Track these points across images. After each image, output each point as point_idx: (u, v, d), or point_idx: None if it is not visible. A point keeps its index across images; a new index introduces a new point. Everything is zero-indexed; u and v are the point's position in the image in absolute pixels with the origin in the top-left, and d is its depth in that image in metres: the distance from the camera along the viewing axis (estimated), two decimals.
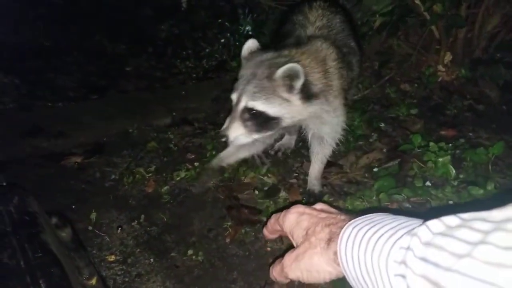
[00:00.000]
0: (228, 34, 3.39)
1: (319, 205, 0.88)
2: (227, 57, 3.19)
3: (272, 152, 2.11)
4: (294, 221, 0.86)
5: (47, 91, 2.68)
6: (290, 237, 0.87)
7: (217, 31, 3.50)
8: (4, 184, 1.81)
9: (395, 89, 2.62)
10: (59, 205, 1.72)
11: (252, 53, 1.60)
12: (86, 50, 3.34)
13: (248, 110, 1.46)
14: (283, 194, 1.80)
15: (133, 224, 1.67)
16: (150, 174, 1.95)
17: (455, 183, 1.71)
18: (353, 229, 0.71)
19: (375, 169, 1.88)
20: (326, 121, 1.63)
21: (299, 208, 0.88)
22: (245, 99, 1.46)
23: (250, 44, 1.63)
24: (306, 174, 1.92)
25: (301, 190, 1.83)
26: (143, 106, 2.53)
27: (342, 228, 0.74)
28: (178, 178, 1.91)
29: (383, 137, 2.15)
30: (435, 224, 0.58)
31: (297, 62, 1.47)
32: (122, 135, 2.25)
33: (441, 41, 2.61)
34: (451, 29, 2.50)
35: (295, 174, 1.96)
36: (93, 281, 1.40)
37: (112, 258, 1.51)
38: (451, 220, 0.57)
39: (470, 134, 2.17)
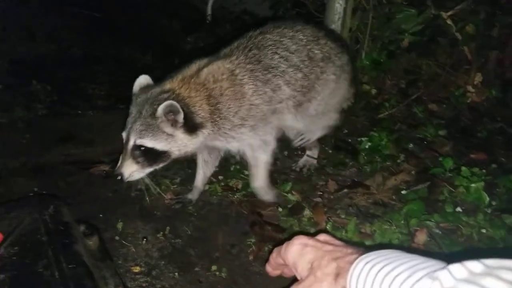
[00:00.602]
0: None
1: (322, 236, 0.85)
2: None
3: (297, 169, 2.11)
4: (298, 253, 0.82)
5: (78, 99, 2.76)
6: (294, 270, 0.84)
7: None
8: (37, 191, 1.87)
9: (423, 108, 2.59)
10: (86, 213, 1.76)
11: (142, 89, 1.62)
12: (116, 60, 3.43)
13: (137, 147, 1.54)
14: (307, 212, 1.78)
15: (158, 235, 1.68)
16: (175, 186, 1.97)
17: (488, 210, 1.68)
18: (365, 264, 0.67)
19: (404, 192, 1.85)
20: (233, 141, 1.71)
21: (302, 239, 0.84)
22: (133, 137, 1.53)
23: (142, 80, 1.66)
24: (331, 193, 1.91)
25: (325, 209, 1.82)
26: None
27: (350, 263, 0.71)
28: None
29: (411, 158, 2.13)
30: (458, 269, 0.55)
31: (177, 95, 1.55)
32: None
33: (472, 61, 2.58)
34: (483, 50, 2.47)
35: (319, 193, 1.94)
36: None
37: (137, 269, 1.52)
38: (474, 266, 0.54)
39: (502, 159, 2.13)
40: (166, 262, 1.55)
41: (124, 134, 1.56)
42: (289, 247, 0.84)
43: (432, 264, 0.62)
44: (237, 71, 1.67)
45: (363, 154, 2.07)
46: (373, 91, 2.55)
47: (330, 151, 2.22)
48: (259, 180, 1.83)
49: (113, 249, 1.60)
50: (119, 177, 1.56)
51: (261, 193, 1.85)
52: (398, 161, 2.11)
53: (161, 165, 1.61)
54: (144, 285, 1.46)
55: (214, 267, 1.53)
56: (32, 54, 3.37)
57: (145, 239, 1.66)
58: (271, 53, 1.76)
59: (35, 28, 3.72)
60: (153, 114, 1.51)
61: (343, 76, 1.93)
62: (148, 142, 1.52)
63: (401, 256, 0.66)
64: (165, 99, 1.51)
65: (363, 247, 0.76)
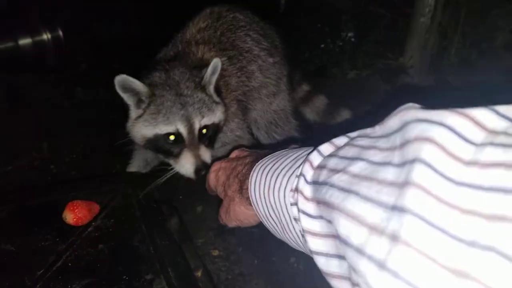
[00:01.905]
0: (329, 40, 3.33)
1: (233, 154, 0.89)
2: (326, 62, 3.13)
3: None
4: (214, 180, 0.87)
5: None
6: (218, 194, 0.90)
7: (317, 36, 3.45)
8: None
9: None
10: (167, 194, 1.79)
11: (148, 82, 1.37)
12: None
13: (201, 130, 1.35)
14: None
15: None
16: None
17: None
18: (259, 170, 0.70)
19: None
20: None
21: (215, 166, 0.89)
22: (198, 121, 1.32)
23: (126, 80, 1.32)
24: None
25: None
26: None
27: (248, 173, 0.73)
28: None
29: None
30: (325, 147, 0.57)
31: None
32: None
33: None
34: None
35: None
36: (199, 273, 1.42)
37: (215, 253, 1.53)
38: (340, 140, 0.57)
39: None
40: (244, 249, 1.55)
41: (178, 125, 1.32)
42: (208, 176, 0.90)
43: (312, 148, 0.62)
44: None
45: None
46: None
47: None
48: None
49: (192, 231, 1.62)
50: (203, 172, 1.36)
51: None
52: None
53: (215, 142, 1.49)
54: (223, 269, 1.46)
55: (292, 259, 1.50)
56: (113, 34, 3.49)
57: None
58: (244, 35, 1.70)
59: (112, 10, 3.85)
60: (197, 86, 1.36)
61: None
62: (209, 119, 1.36)
63: (290, 151, 0.68)
64: (206, 64, 1.37)
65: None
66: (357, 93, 2.63)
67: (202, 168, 1.34)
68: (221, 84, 1.56)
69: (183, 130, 1.31)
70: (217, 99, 1.43)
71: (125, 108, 1.80)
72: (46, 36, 2.61)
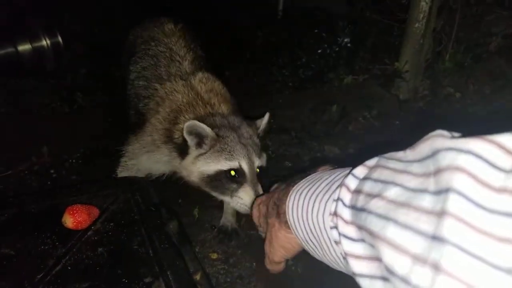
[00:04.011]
0: (326, 45, 3.37)
1: (273, 187, 0.92)
2: (324, 67, 3.16)
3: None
4: (258, 214, 0.90)
5: None
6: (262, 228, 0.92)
7: (314, 41, 3.49)
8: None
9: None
10: (165, 197, 1.81)
11: (218, 127, 1.47)
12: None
13: (257, 170, 1.48)
14: None
15: None
16: None
17: None
18: (295, 194, 0.72)
19: None
20: None
21: (256, 202, 0.92)
22: (256, 161, 1.46)
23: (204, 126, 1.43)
24: None
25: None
26: (242, 111, 2.59)
27: (284, 198, 0.76)
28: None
29: None
30: (359, 170, 0.59)
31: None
32: None
33: None
34: None
35: None
36: (198, 277, 1.43)
37: (214, 256, 1.55)
38: (372, 161, 0.58)
39: None
40: (242, 252, 1.56)
41: (244, 164, 1.43)
42: (252, 214, 0.93)
43: (348, 171, 0.64)
44: None
45: None
46: (457, 95, 2.40)
47: None
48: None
49: (191, 235, 1.63)
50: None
51: (231, 219, 1.73)
52: None
53: None
54: (221, 272, 1.48)
55: (290, 262, 1.51)
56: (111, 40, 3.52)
57: (214, 227, 1.68)
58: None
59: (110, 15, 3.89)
60: (254, 132, 1.54)
61: None
62: (261, 161, 1.50)
63: (324, 174, 0.70)
64: (258, 118, 1.61)
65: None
66: (353, 98, 2.66)
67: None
68: None
69: (245, 166, 1.42)
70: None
71: (126, 114, 1.84)
72: (45, 42, 2.63)
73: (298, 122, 2.51)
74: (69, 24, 3.10)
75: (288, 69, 3.26)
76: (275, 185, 0.94)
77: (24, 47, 2.62)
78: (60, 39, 2.67)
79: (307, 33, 3.56)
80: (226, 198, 1.46)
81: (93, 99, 2.60)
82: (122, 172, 1.76)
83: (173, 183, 1.91)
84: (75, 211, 1.14)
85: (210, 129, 1.42)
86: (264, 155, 1.56)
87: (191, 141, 1.44)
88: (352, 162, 0.64)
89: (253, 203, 1.18)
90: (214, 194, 1.49)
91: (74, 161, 2.09)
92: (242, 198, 1.41)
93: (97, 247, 1.11)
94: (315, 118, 2.52)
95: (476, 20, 2.47)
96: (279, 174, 1.98)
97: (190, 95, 1.61)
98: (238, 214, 1.68)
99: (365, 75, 2.86)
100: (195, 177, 1.47)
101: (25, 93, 2.57)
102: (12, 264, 1.05)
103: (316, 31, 3.54)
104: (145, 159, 1.65)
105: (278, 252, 0.85)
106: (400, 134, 2.32)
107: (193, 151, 1.46)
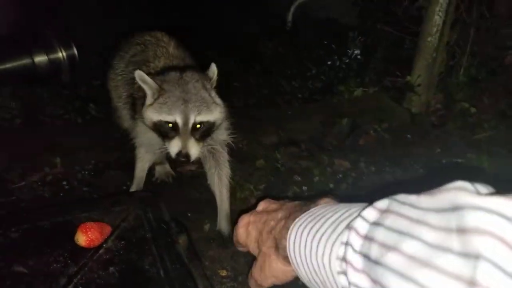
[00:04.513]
0: (335, 57, 3.37)
1: (260, 206, 0.86)
2: (333, 79, 3.15)
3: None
4: (244, 234, 0.86)
5: None
6: (250, 250, 0.88)
7: (324, 53, 3.49)
8: (129, 185, 1.97)
9: None
10: (174, 211, 1.81)
11: (155, 78, 1.63)
12: (197, 63, 3.53)
13: (195, 125, 1.58)
14: None
15: None
16: (258, 192, 1.98)
17: None
18: (297, 230, 0.69)
19: None
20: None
21: (243, 220, 0.86)
22: (192, 115, 1.57)
23: (143, 74, 1.63)
24: None
25: None
26: (251, 123, 2.60)
27: (284, 231, 0.73)
28: None
29: None
30: (369, 212, 0.55)
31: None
32: (233, 149, 2.32)
33: None
34: None
35: None
36: None
37: (223, 273, 1.55)
38: (382, 204, 0.54)
39: None
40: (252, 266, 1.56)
41: (177, 117, 1.58)
42: (237, 233, 0.88)
43: (354, 210, 0.61)
44: None
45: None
46: (472, 110, 2.38)
47: (421, 171, 2.11)
48: (228, 202, 1.86)
49: (200, 250, 1.63)
50: (183, 159, 1.61)
51: (226, 223, 1.82)
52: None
53: (209, 138, 1.69)
54: None
55: (301, 281, 1.50)
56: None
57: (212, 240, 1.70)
58: None
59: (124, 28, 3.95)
60: (204, 86, 1.60)
61: None
62: (205, 117, 1.59)
63: (328, 210, 0.67)
64: (197, 73, 1.63)
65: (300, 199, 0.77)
66: (364, 111, 2.65)
67: (183, 156, 1.60)
68: None
69: (179, 121, 1.57)
70: (217, 100, 1.64)
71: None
72: (61, 54, 2.67)
73: (308, 134, 2.51)
74: (83, 36, 3.15)
75: (297, 80, 3.26)
76: (262, 203, 0.91)
77: (40, 58, 2.65)
78: (75, 51, 2.70)
79: (317, 44, 3.56)
80: (165, 143, 1.63)
81: (105, 111, 2.62)
82: (139, 162, 1.95)
83: (183, 196, 1.93)
84: (87, 229, 1.15)
85: (152, 81, 1.59)
86: (215, 110, 1.63)
87: (146, 89, 1.61)
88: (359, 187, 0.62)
89: (189, 157, 1.54)
90: (160, 138, 1.66)
91: (86, 172, 2.11)
92: (171, 146, 1.60)
93: (108, 266, 1.12)
94: (325, 131, 2.52)
95: (491, 34, 2.45)
96: (288, 189, 1.98)
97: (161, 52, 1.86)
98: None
99: (376, 87, 2.85)
100: (148, 122, 1.65)
101: (40, 104, 2.61)
102: (25, 282, 1.05)
103: (325, 42, 3.55)
104: (146, 136, 1.79)
105: (269, 280, 0.83)
106: (414, 148, 2.30)
107: (148, 100, 1.63)
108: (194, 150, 1.61)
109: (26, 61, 2.61)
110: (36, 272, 1.08)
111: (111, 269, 1.11)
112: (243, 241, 0.88)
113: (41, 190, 1.99)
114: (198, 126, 1.59)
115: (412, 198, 0.51)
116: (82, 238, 1.15)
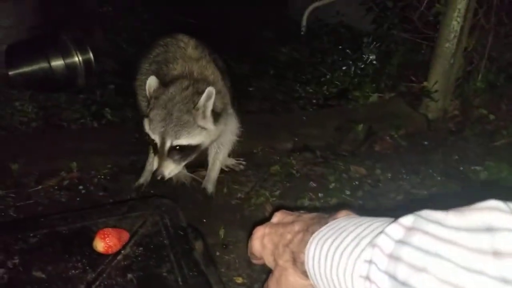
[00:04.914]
0: (350, 62, 3.35)
1: (275, 218, 0.83)
2: (348, 85, 3.13)
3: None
4: (260, 248, 0.82)
5: None
6: (265, 263, 0.85)
7: (338, 58, 3.47)
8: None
9: None
10: (190, 217, 1.81)
11: (157, 91, 1.65)
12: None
13: (174, 147, 1.61)
14: None
15: None
16: (274, 198, 1.96)
17: None
18: (316, 244, 0.66)
19: None
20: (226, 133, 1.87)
21: (258, 233, 0.83)
22: (170, 139, 1.60)
23: (153, 82, 1.67)
24: None
25: None
26: (266, 128, 2.59)
27: (302, 245, 0.70)
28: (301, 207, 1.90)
29: None
30: (394, 229, 0.52)
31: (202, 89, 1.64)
32: (248, 155, 2.31)
33: None
34: None
35: None
36: None
37: (239, 280, 1.54)
38: (407, 220, 0.52)
39: None
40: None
41: (156, 138, 1.62)
42: (251, 245, 0.85)
43: (378, 225, 0.58)
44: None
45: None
46: (491, 117, 2.33)
47: (439, 178, 2.07)
48: (217, 174, 2.03)
49: (216, 256, 1.63)
50: (159, 177, 1.64)
51: (211, 185, 2.01)
52: None
53: (193, 157, 1.72)
54: None
55: None
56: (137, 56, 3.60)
57: (224, 246, 1.69)
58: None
59: (138, 32, 3.98)
60: (189, 110, 1.60)
61: None
62: (185, 141, 1.62)
63: (349, 224, 0.64)
64: (194, 93, 1.62)
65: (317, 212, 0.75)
66: (379, 117, 2.62)
67: (158, 174, 1.64)
68: None
69: (158, 142, 1.63)
70: (204, 123, 1.64)
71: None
72: (77, 58, 2.71)
73: (323, 140, 2.49)
74: (99, 40, 3.19)
75: (312, 86, 3.24)
76: (277, 214, 0.89)
77: (57, 62, 2.70)
78: (91, 55, 2.73)
79: (331, 49, 3.55)
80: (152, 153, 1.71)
81: (121, 115, 2.64)
82: (150, 158, 1.99)
83: (198, 202, 1.93)
84: (106, 236, 1.15)
85: (150, 93, 1.65)
86: (199, 134, 1.64)
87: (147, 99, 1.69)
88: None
89: (164, 178, 1.60)
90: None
91: (102, 177, 2.12)
92: (150, 162, 1.72)
93: (126, 272, 1.11)
94: (340, 137, 2.49)
95: (509, 39, 2.41)
96: (304, 195, 1.96)
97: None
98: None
99: (392, 93, 2.82)
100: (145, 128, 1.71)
101: (56, 108, 2.63)
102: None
103: (340, 47, 3.53)
104: None
105: None
106: (431, 155, 2.27)
107: (146, 110, 1.72)
108: (169, 171, 1.64)
109: (43, 65, 2.67)
110: (55, 277, 1.08)
111: (129, 275, 1.11)
112: (258, 254, 0.88)
113: (57, 195, 2.00)
114: (177, 147, 1.62)
115: (439, 216, 0.48)
116: (101, 245, 1.15)
